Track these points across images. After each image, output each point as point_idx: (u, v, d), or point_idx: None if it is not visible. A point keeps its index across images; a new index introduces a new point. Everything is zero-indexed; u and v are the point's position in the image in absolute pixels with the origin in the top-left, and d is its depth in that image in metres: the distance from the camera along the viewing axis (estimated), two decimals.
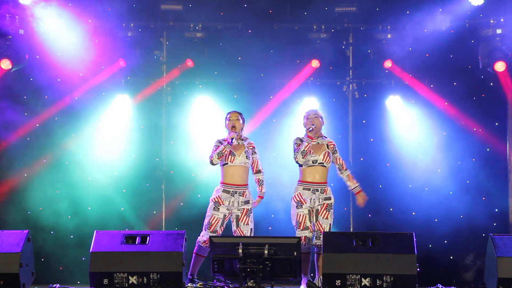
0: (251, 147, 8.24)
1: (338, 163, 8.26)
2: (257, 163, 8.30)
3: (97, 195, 10.38)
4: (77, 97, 10.44)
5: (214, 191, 8.20)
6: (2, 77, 10.14)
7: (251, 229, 8.11)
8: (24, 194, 10.30)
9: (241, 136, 8.25)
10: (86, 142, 10.45)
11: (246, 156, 8.14)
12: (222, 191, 8.11)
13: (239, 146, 8.18)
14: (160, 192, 10.64)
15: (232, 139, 8.08)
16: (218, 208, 8.08)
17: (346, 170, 8.28)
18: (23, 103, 10.40)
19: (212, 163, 8.11)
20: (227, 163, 8.12)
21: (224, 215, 8.09)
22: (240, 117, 8.28)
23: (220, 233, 8.06)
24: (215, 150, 8.10)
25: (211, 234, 7.96)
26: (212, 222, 8.06)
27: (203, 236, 8.05)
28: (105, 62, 10.42)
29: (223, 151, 8.06)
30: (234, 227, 8.13)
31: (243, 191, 8.13)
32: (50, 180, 10.33)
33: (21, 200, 10.29)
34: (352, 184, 8.28)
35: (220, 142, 8.19)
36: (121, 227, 10.16)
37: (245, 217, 8.10)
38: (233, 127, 8.17)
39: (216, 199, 8.11)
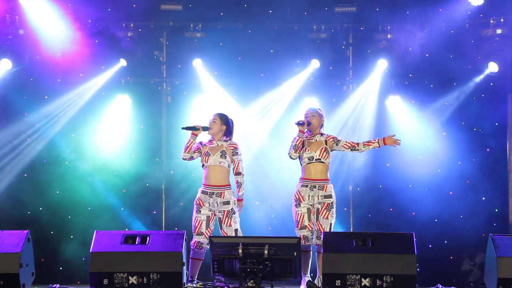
0: (232, 148, 8.12)
1: (349, 146, 8.08)
2: (238, 164, 8.11)
3: (97, 195, 10.39)
4: (77, 97, 10.46)
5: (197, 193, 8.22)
6: (2, 77, 10.15)
7: (236, 229, 8.03)
8: (24, 194, 10.31)
9: (221, 137, 8.19)
10: (86, 142, 10.46)
11: (221, 156, 8.05)
12: (201, 192, 8.08)
13: (217, 146, 8.12)
14: (160, 192, 10.65)
15: (191, 127, 8.07)
16: (200, 210, 8.05)
17: (359, 144, 8.07)
18: (23, 103, 10.41)
19: (182, 158, 8.14)
20: (204, 164, 8.10)
21: (208, 216, 8.05)
22: (218, 119, 8.18)
23: (208, 235, 7.99)
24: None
25: (198, 238, 7.97)
26: (196, 225, 8.04)
27: (193, 240, 8.05)
28: (105, 62, 10.43)
29: (188, 144, 8.07)
30: (219, 230, 8.14)
31: (221, 192, 8.03)
32: (50, 180, 10.34)
33: (21, 200, 10.30)
34: (375, 144, 8.05)
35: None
36: (121, 227, 10.16)
37: (227, 219, 8.03)
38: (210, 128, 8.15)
39: (198, 201, 8.09)
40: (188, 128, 8.13)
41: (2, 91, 10.28)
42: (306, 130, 8.14)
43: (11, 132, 10.36)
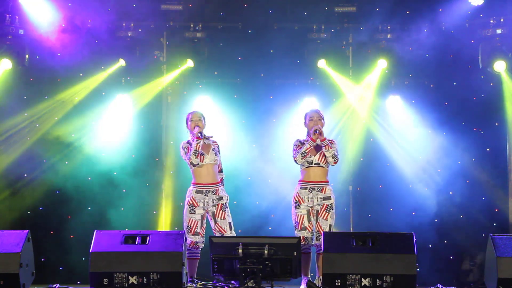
0: (217, 146, 8.24)
1: (332, 155, 8.07)
2: (220, 162, 8.30)
3: (97, 195, 10.38)
4: (77, 97, 10.46)
5: (187, 193, 8.16)
6: (2, 77, 10.15)
7: (230, 223, 8.10)
8: (24, 194, 10.30)
9: (205, 135, 8.22)
10: (86, 142, 10.45)
11: (215, 153, 8.14)
12: (195, 192, 8.09)
13: (206, 145, 8.17)
14: (160, 192, 10.65)
15: (200, 133, 8.04)
16: (194, 211, 8.07)
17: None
18: (23, 103, 10.41)
19: (192, 164, 8.03)
20: (198, 163, 8.11)
21: (202, 216, 8.09)
22: (202, 117, 8.23)
23: (203, 233, 8.07)
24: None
25: (194, 238, 8.00)
26: (191, 226, 8.06)
27: (188, 240, 8.04)
28: (105, 62, 10.43)
29: (197, 148, 8.01)
30: (212, 225, 8.13)
31: (216, 189, 8.12)
32: (50, 180, 10.33)
33: (21, 200, 10.30)
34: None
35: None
36: (121, 227, 10.16)
37: (221, 211, 8.09)
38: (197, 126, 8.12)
39: (191, 202, 8.10)
40: (200, 135, 8.10)
41: (2, 91, 10.28)
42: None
43: (11, 132, 10.35)
